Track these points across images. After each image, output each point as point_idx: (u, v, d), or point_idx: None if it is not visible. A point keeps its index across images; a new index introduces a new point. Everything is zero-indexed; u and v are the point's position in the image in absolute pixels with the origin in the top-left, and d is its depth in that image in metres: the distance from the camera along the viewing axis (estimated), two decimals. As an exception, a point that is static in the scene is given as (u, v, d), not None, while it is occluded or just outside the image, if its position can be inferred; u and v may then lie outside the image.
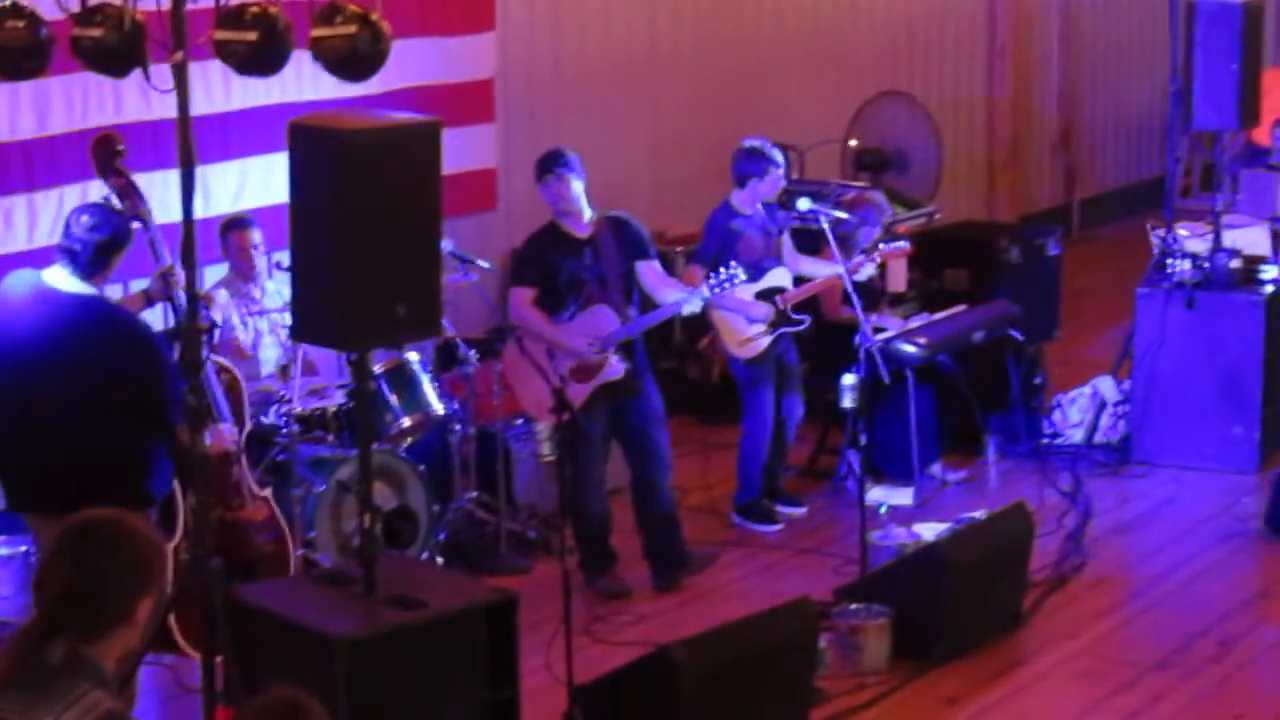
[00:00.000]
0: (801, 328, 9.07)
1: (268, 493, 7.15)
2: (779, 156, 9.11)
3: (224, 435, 6.76)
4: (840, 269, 8.93)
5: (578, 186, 8.22)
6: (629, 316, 8.28)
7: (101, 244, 6.48)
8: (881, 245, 9.66)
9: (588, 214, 8.28)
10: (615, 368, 8.21)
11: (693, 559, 8.46)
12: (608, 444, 8.38)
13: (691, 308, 8.29)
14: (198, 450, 5.82)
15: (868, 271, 9.42)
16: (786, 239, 9.25)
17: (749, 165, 9.06)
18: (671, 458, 8.46)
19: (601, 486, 8.34)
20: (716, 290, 8.26)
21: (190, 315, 5.81)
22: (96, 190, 8.31)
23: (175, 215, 6.23)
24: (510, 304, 8.37)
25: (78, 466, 6.37)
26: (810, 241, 9.54)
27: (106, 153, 6.68)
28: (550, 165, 8.23)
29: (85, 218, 6.55)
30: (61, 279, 6.51)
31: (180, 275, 6.74)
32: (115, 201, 6.62)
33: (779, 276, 9.10)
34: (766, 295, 9.01)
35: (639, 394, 8.29)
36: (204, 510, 5.74)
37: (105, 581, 3.97)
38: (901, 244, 9.84)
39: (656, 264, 8.40)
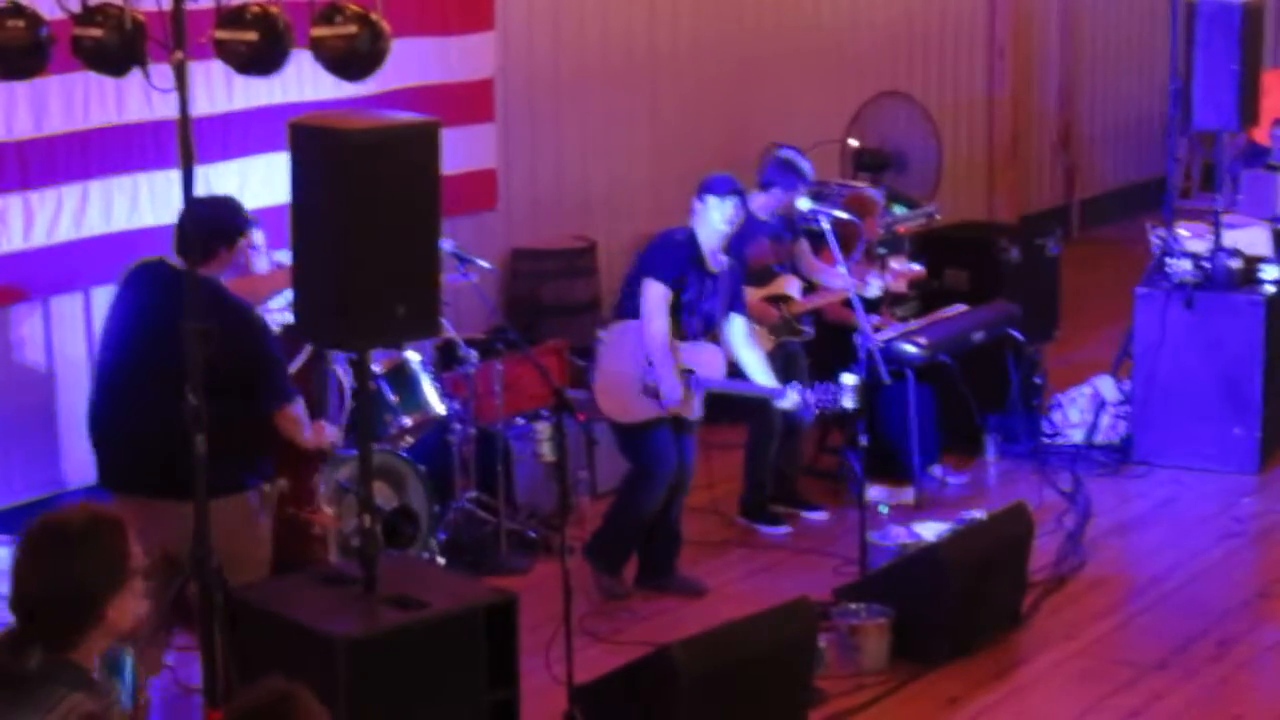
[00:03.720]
0: (805, 338, 9.06)
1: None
2: (808, 172, 9.04)
3: (325, 432, 6.84)
4: (847, 285, 8.70)
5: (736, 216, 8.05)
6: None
7: (203, 236, 6.37)
8: (894, 265, 9.65)
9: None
10: (695, 409, 8.07)
11: (679, 577, 8.32)
12: (677, 449, 8.13)
13: (785, 405, 8.12)
14: (199, 449, 5.81)
15: (876, 287, 9.37)
16: (803, 244, 9.23)
17: (778, 175, 8.99)
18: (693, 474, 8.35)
19: (662, 489, 8.07)
20: (818, 403, 7.99)
21: (191, 315, 5.80)
22: (97, 190, 8.34)
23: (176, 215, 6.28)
24: (647, 293, 7.94)
25: (170, 449, 6.19)
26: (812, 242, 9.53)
27: None
28: (738, 188, 8.05)
29: (192, 208, 6.52)
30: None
31: (253, 238, 6.82)
32: None
33: (788, 284, 9.08)
34: (774, 301, 8.99)
35: (694, 433, 8.19)
36: (203, 508, 5.73)
37: (75, 587, 3.93)
38: (914, 266, 9.88)
39: (744, 320, 8.21)
